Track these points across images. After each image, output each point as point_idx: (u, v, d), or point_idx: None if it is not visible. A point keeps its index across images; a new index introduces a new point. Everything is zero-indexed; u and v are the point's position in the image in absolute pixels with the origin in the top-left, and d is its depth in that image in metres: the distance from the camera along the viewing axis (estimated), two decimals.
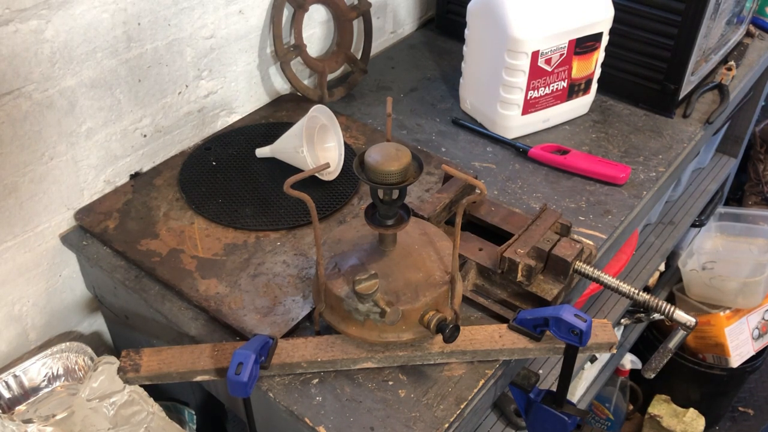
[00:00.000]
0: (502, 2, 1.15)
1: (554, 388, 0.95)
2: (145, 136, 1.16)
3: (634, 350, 1.90)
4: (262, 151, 1.18)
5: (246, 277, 0.98)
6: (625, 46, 1.31)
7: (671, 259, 1.97)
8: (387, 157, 0.75)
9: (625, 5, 1.27)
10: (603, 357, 1.74)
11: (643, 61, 1.31)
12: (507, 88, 1.20)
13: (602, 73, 1.29)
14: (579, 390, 1.69)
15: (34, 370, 1.06)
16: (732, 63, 1.44)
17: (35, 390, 1.06)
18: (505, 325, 0.90)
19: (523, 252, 0.92)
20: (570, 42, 1.18)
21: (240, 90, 1.29)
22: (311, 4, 1.30)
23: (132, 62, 1.07)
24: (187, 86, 1.18)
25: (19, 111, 0.95)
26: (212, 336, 0.93)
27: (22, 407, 1.05)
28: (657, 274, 1.97)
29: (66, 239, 1.08)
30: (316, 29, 1.37)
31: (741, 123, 1.89)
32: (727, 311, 1.88)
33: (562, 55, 1.19)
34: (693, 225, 1.86)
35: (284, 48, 1.28)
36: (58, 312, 1.15)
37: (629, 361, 1.87)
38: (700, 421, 1.96)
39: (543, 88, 1.21)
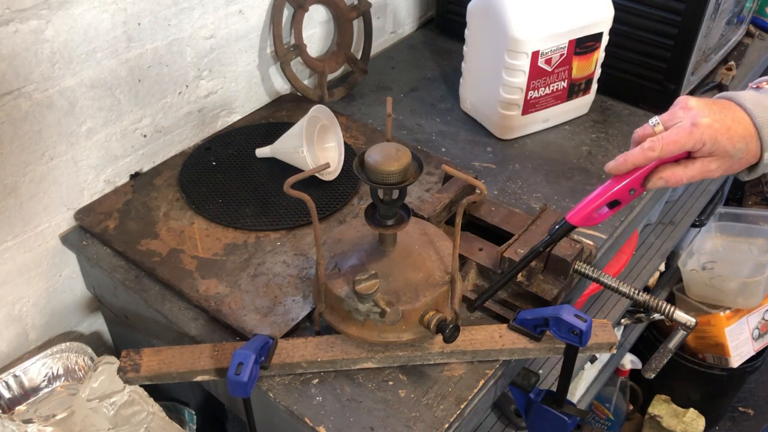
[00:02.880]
0: (502, 2, 1.15)
1: (554, 388, 0.95)
2: (145, 136, 1.16)
3: (634, 350, 1.90)
4: (262, 151, 1.18)
5: (246, 277, 0.98)
6: (625, 46, 1.31)
7: (671, 259, 1.97)
8: (387, 157, 0.75)
9: (625, 5, 1.27)
10: (603, 357, 1.74)
11: (643, 61, 1.31)
12: (507, 88, 1.20)
13: (602, 73, 1.29)
14: (579, 390, 1.69)
15: (34, 370, 1.06)
16: (732, 63, 1.44)
17: (35, 390, 1.06)
18: (505, 325, 0.90)
19: (523, 252, 0.92)
20: (570, 42, 1.18)
21: (240, 90, 1.29)
22: (311, 4, 1.30)
23: (132, 62, 1.07)
24: (187, 86, 1.18)
25: (19, 111, 0.95)
26: (212, 336, 0.92)
27: (22, 407, 1.05)
28: (657, 274, 1.97)
29: (66, 239, 1.08)
30: (316, 29, 1.37)
31: None
32: (727, 311, 1.87)
33: (562, 55, 1.19)
34: (693, 225, 1.86)
35: (284, 48, 1.28)
36: (58, 312, 1.15)
37: (629, 361, 1.87)
38: (700, 421, 1.96)
39: (543, 88, 1.21)
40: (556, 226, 0.83)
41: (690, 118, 0.74)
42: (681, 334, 0.89)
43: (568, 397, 0.96)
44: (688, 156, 0.77)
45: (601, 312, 1.54)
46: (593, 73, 1.26)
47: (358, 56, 1.42)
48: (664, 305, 0.87)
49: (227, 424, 1.42)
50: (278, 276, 0.98)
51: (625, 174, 0.78)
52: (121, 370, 0.84)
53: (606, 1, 1.19)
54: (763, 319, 1.93)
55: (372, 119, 1.33)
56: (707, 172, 0.76)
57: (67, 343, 1.08)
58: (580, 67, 1.23)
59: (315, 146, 1.13)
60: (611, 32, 1.22)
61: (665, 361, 0.93)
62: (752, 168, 0.79)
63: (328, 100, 1.34)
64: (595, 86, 1.30)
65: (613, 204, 0.81)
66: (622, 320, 1.76)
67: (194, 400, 1.23)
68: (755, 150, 0.75)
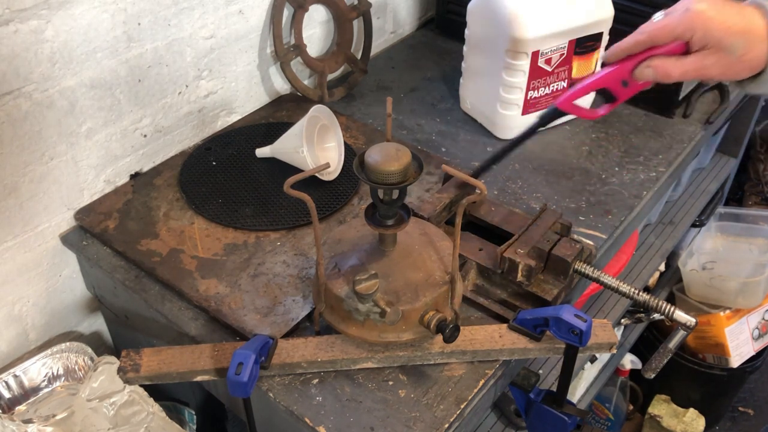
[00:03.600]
0: (502, 2, 1.15)
1: (554, 388, 0.95)
2: (145, 136, 1.16)
3: (634, 350, 1.90)
4: (262, 151, 1.18)
5: (246, 277, 0.98)
6: None
7: (671, 259, 1.97)
8: (387, 157, 0.75)
9: (625, 5, 1.27)
10: (603, 357, 1.74)
11: None
12: (507, 88, 1.20)
13: None
14: (579, 390, 1.69)
15: (34, 370, 1.06)
16: None
17: (35, 390, 1.06)
18: (505, 325, 0.90)
19: (523, 252, 0.92)
20: (570, 42, 1.18)
21: (240, 90, 1.29)
22: (311, 4, 1.30)
23: (132, 62, 1.07)
24: (187, 86, 1.18)
25: (19, 111, 0.95)
26: (212, 336, 0.93)
27: (22, 407, 1.05)
28: (657, 274, 1.97)
29: (66, 239, 1.08)
30: (316, 29, 1.37)
31: (741, 123, 1.88)
32: (727, 311, 1.87)
33: (562, 55, 1.18)
34: (693, 225, 1.85)
35: (284, 48, 1.28)
36: (58, 312, 1.15)
37: (629, 361, 1.87)
38: (700, 421, 1.96)
39: (543, 88, 1.21)
40: (546, 111, 0.83)
41: (685, 5, 0.70)
42: (681, 334, 0.89)
43: (568, 397, 0.96)
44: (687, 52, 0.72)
45: (601, 312, 1.54)
46: (593, 73, 1.26)
47: (358, 56, 1.42)
48: (664, 305, 0.87)
49: (227, 424, 1.42)
50: (278, 276, 0.98)
51: (618, 62, 0.76)
52: (121, 370, 0.84)
53: (606, 1, 1.19)
54: (763, 319, 1.93)
55: (372, 119, 1.33)
56: (702, 68, 0.71)
57: (67, 343, 1.08)
58: (580, 67, 1.22)
59: (315, 146, 1.13)
60: (611, 32, 1.22)
61: (665, 361, 0.93)
62: (757, 76, 0.72)
63: (328, 100, 1.34)
64: None
65: (608, 97, 0.77)
66: (622, 320, 1.76)
67: (194, 400, 1.23)
68: (761, 53, 0.69)
